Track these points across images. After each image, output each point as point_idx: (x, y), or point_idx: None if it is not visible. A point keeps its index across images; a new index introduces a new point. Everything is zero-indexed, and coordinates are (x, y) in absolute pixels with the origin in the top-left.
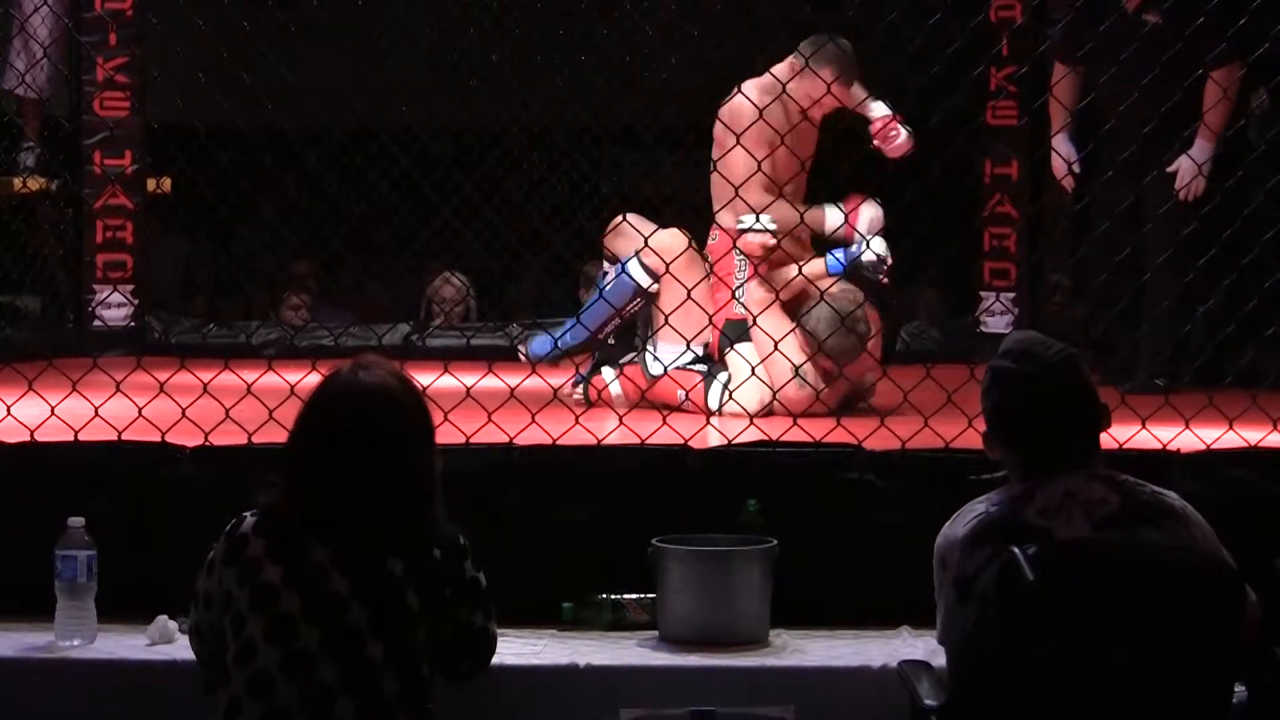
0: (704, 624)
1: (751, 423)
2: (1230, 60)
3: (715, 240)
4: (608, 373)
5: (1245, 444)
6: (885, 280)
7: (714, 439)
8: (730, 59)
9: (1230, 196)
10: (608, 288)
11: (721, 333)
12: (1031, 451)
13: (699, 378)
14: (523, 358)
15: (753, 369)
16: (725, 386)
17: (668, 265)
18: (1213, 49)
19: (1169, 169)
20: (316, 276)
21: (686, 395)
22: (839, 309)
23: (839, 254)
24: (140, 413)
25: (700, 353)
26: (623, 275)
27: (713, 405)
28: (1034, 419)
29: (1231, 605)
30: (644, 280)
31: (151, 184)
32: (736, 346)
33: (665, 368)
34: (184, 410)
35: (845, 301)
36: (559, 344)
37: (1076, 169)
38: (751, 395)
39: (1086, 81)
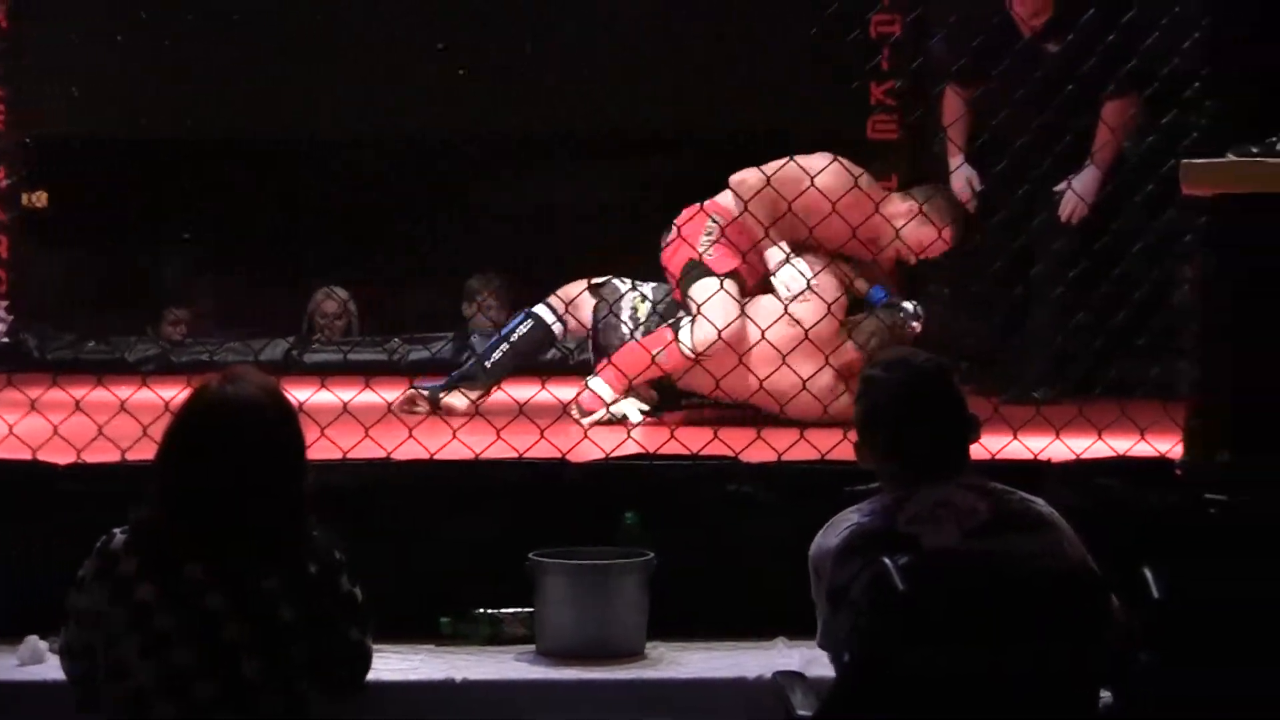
0: (581, 637)
1: (629, 435)
2: (1126, 93)
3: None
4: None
5: (1114, 454)
6: (917, 329)
7: (592, 452)
8: (616, 70)
9: (1103, 209)
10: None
11: (682, 274)
12: (902, 460)
13: (670, 333)
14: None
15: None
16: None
17: (567, 305)
18: (1109, 80)
19: (1055, 188)
20: (200, 291)
21: (664, 349)
22: (888, 320)
23: (881, 291)
24: (11, 430)
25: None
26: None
27: (685, 346)
28: (904, 427)
29: (1097, 612)
30: (549, 318)
31: (27, 198)
32: (697, 284)
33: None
34: (55, 427)
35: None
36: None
37: (977, 186)
38: (702, 331)
39: (979, 105)
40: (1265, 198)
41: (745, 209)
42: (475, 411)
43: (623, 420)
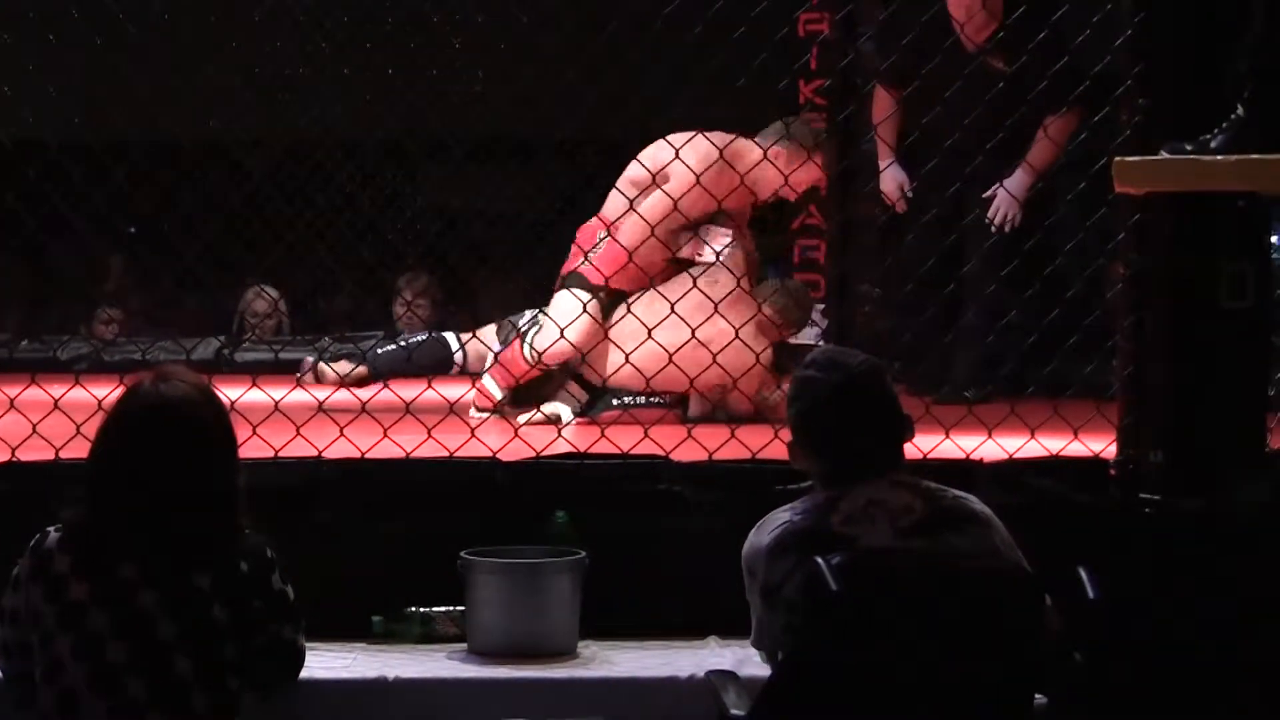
0: (513, 636)
1: (559, 434)
2: (1073, 109)
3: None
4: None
5: (1048, 453)
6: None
7: (523, 452)
8: (538, 71)
9: (1035, 207)
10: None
11: (559, 283)
12: (835, 459)
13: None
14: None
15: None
16: (533, 335)
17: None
18: (1055, 99)
19: (985, 195)
20: (128, 291)
21: (496, 356)
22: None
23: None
24: None
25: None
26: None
27: (527, 351)
28: (837, 427)
29: (1032, 612)
30: (451, 342)
31: None
32: (559, 294)
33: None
34: None
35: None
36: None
37: (909, 193)
38: (545, 338)
39: (911, 103)
40: (1197, 195)
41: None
42: (340, 383)
43: (555, 421)
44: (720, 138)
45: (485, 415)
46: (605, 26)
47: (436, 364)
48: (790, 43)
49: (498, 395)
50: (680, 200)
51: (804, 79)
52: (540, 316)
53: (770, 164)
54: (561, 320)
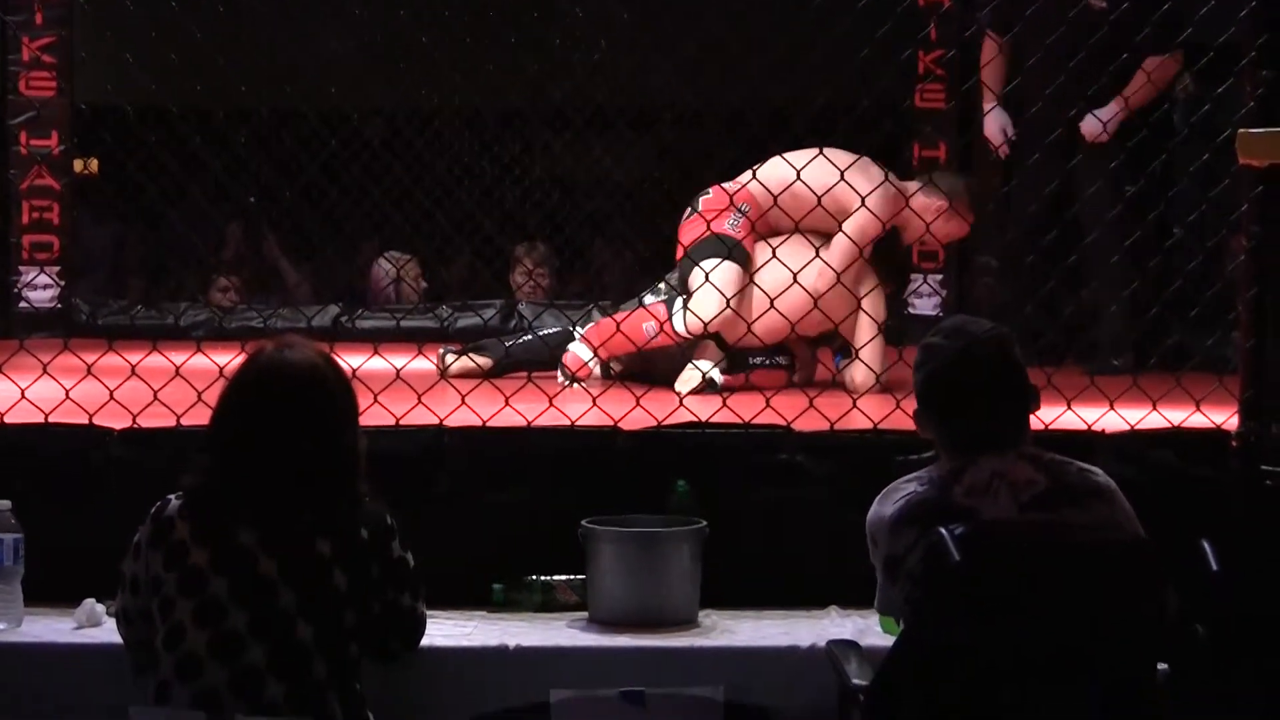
0: (633, 605)
1: (681, 403)
2: (1171, 52)
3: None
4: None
5: (1169, 425)
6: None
7: (644, 420)
8: (658, 42)
9: (1155, 180)
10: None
11: (686, 254)
12: (958, 428)
13: (664, 307)
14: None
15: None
16: (684, 304)
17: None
18: (1154, 39)
19: (1080, 122)
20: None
21: (660, 327)
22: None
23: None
24: (68, 395)
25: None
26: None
27: (678, 328)
28: (961, 394)
29: (1152, 585)
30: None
31: (79, 165)
32: (702, 262)
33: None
34: (112, 392)
35: None
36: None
37: (1013, 137)
38: (707, 305)
39: (1016, 55)
40: None
41: (775, 203)
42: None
43: (712, 386)
44: (859, 166)
45: (570, 383)
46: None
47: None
48: (911, 13)
49: (588, 359)
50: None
51: (923, 49)
52: (691, 282)
53: (922, 217)
54: (707, 291)
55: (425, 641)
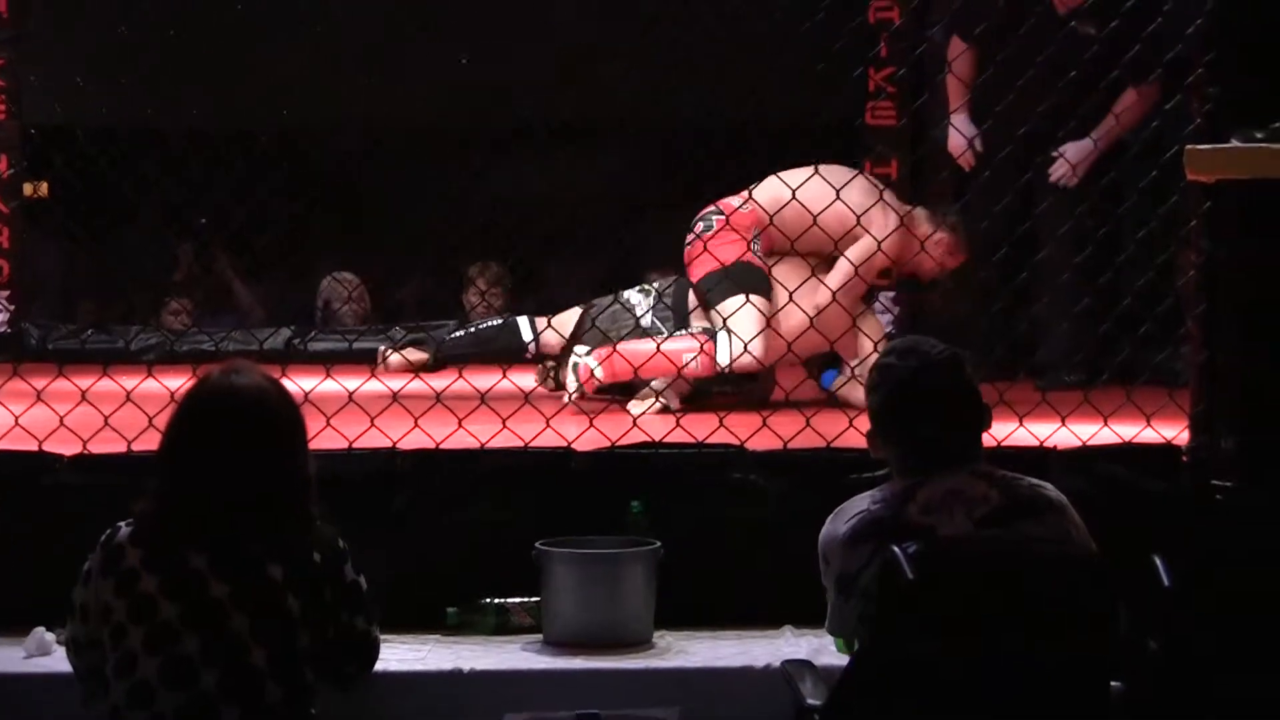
0: (589, 626)
1: (635, 424)
2: (1153, 84)
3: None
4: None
5: (1120, 440)
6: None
7: (597, 441)
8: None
9: (1105, 196)
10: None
11: (713, 279)
12: (912, 447)
13: (706, 337)
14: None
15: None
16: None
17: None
18: (1138, 68)
19: (1053, 153)
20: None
21: (697, 353)
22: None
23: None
24: (17, 421)
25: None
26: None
27: (723, 361)
28: (914, 414)
29: (1105, 600)
30: (525, 330)
31: (29, 188)
32: (743, 295)
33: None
34: (62, 418)
35: None
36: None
37: (978, 146)
38: (759, 343)
39: (982, 65)
40: (1268, 183)
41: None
42: (412, 371)
43: (669, 409)
44: (860, 186)
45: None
46: (678, 16)
47: (502, 346)
48: (862, 31)
49: (599, 376)
50: (871, 261)
51: (874, 67)
52: (724, 309)
53: (928, 250)
54: (745, 329)
55: (380, 665)
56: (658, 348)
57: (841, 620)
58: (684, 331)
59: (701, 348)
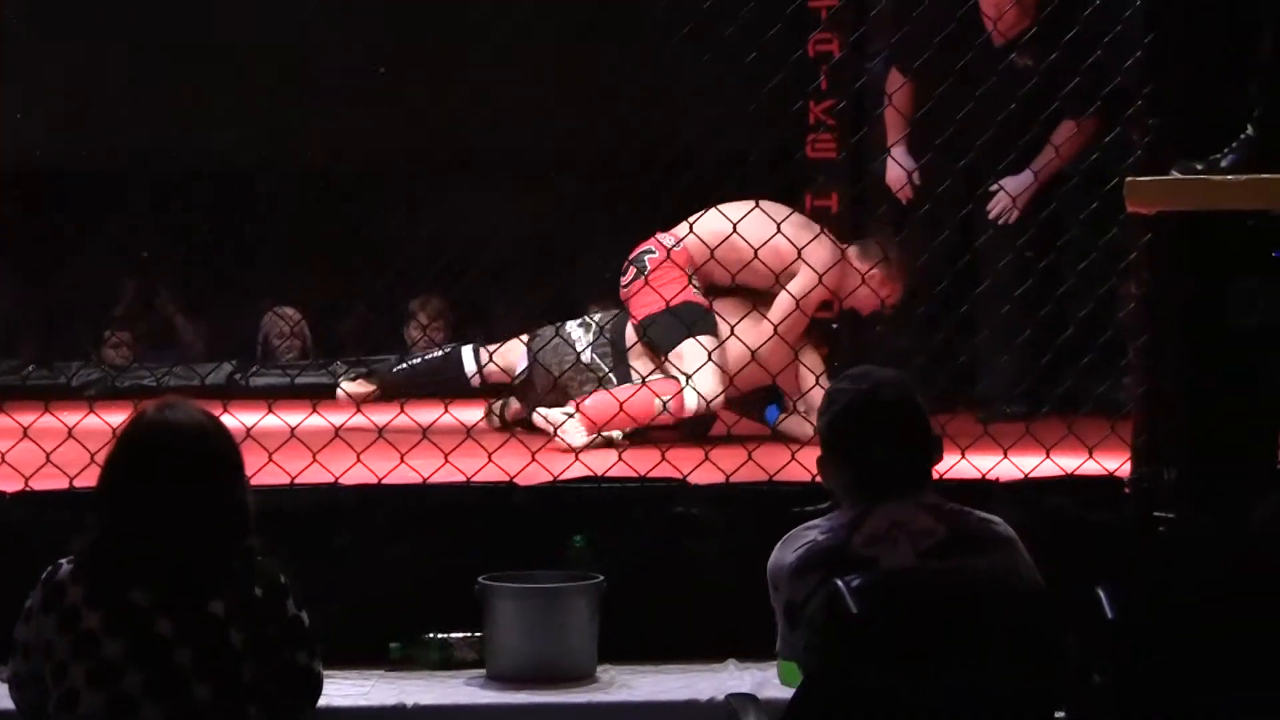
0: (532, 661)
1: (576, 458)
2: (1092, 117)
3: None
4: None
5: (1063, 472)
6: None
7: (539, 475)
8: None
9: (1046, 228)
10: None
11: (656, 319)
12: (860, 471)
13: (676, 384)
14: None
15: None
16: (693, 387)
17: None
18: (1078, 101)
19: (992, 187)
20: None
21: (665, 405)
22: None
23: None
24: None
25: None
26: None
27: (691, 409)
28: (864, 437)
29: (1050, 632)
30: (468, 362)
31: None
32: (693, 338)
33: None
34: (3, 455)
35: None
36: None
37: (916, 179)
38: (712, 384)
39: (921, 97)
40: (1208, 214)
41: (712, 256)
42: (357, 403)
43: (611, 444)
44: (797, 222)
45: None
46: (616, 51)
47: (445, 378)
48: (802, 63)
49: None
50: (810, 295)
51: (814, 100)
52: (682, 352)
53: (869, 284)
54: (707, 372)
55: (323, 701)
56: (623, 402)
57: (791, 646)
58: (648, 378)
59: (668, 402)
